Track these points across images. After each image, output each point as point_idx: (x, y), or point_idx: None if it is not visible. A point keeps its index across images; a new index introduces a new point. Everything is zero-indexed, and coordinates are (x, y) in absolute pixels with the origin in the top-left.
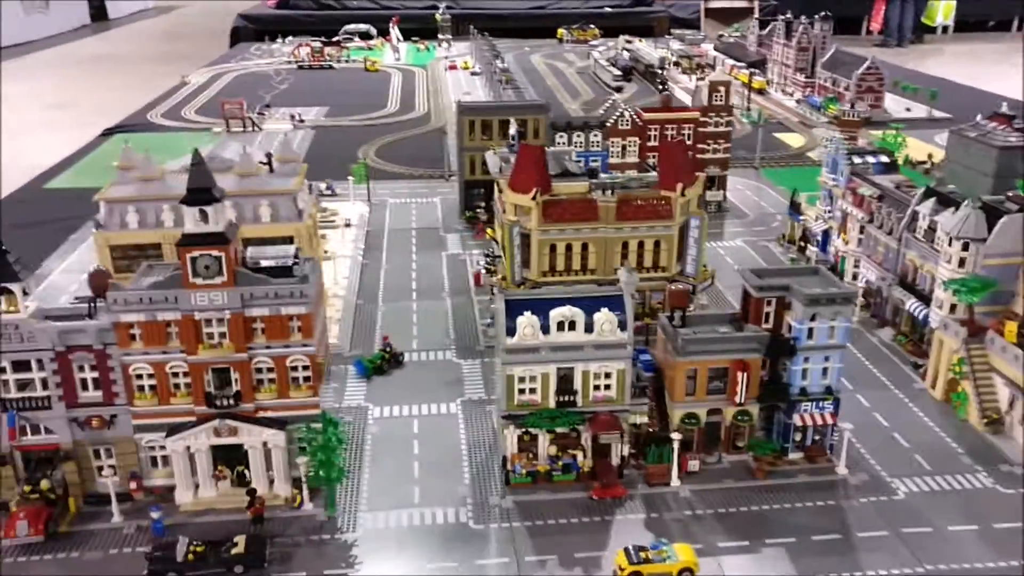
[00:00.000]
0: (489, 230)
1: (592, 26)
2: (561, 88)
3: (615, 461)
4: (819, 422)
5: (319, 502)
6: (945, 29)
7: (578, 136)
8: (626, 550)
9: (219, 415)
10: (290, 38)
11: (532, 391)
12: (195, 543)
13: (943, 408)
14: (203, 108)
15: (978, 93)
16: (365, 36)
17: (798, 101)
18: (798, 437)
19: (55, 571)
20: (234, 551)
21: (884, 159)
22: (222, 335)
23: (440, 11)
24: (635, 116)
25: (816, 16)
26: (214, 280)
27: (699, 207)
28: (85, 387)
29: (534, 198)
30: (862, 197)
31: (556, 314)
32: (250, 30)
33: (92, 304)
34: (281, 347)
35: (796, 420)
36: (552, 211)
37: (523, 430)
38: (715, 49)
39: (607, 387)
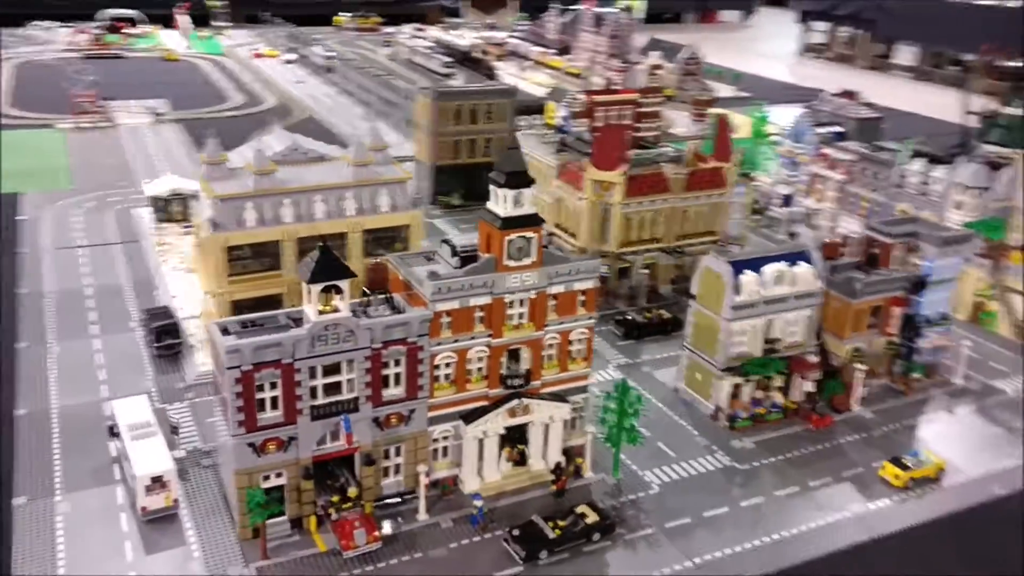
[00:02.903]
0: None
1: (373, 14)
2: (389, 74)
3: (798, 398)
4: (940, 344)
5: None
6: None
7: (536, 118)
8: (894, 460)
9: (511, 395)
10: (47, 23)
11: (742, 343)
12: (556, 520)
13: (972, 327)
14: (17, 102)
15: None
16: (132, 22)
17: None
18: (920, 358)
19: (414, 571)
20: (588, 520)
21: (839, 130)
22: (521, 316)
23: None
24: (587, 98)
25: (620, 7)
26: (524, 261)
27: None
28: (386, 384)
29: (624, 174)
30: (836, 161)
31: (772, 269)
32: None
33: (367, 298)
34: (570, 322)
35: (923, 344)
36: (633, 185)
37: (743, 378)
38: (511, 37)
39: (795, 332)
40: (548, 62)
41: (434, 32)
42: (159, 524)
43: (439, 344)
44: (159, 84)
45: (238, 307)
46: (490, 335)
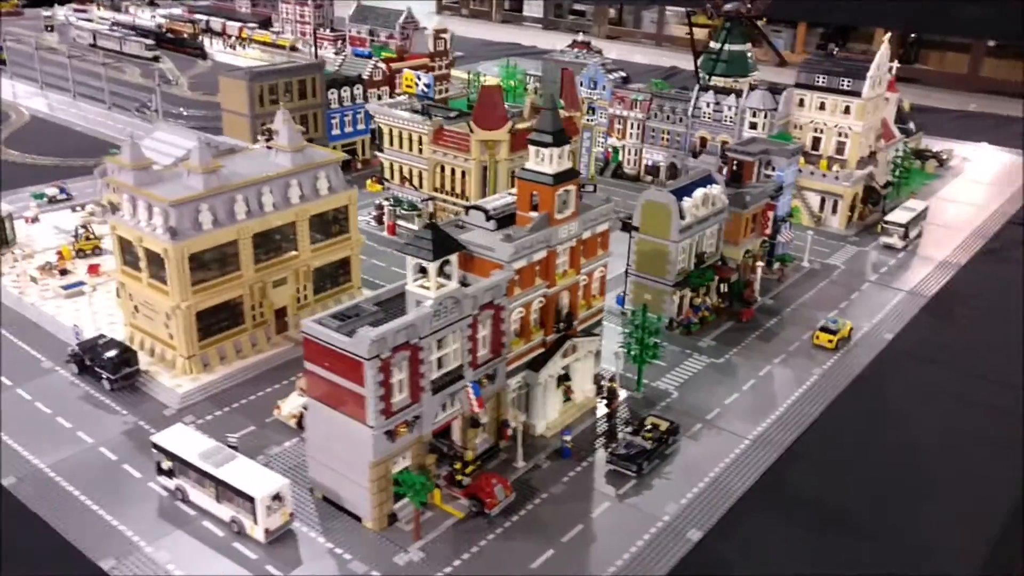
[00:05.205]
0: (370, 182)
1: None
2: (102, 64)
3: (715, 299)
4: (790, 238)
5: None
6: None
7: (345, 90)
8: (822, 328)
9: (561, 338)
10: None
11: (683, 260)
12: (643, 433)
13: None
14: None
15: None
16: None
17: (336, 54)
18: (779, 250)
19: (553, 509)
20: (663, 428)
21: (623, 74)
22: (565, 263)
23: None
24: (385, 67)
25: None
26: (566, 213)
27: None
28: (476, 347)
29: (510, 131)
30: (634, 101)
31: (700, 193)
32: None
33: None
34: (595, 263)
35: (780, 238)
36: (515, 141)
37: (690, 290)
38: (195, 13)
39: (712, 244)
40: (255, 37)
41: (101, 12)
42: (283, 541)
43: (513, 301)
44: None
45: (200, 317)
46: (547, 285)
